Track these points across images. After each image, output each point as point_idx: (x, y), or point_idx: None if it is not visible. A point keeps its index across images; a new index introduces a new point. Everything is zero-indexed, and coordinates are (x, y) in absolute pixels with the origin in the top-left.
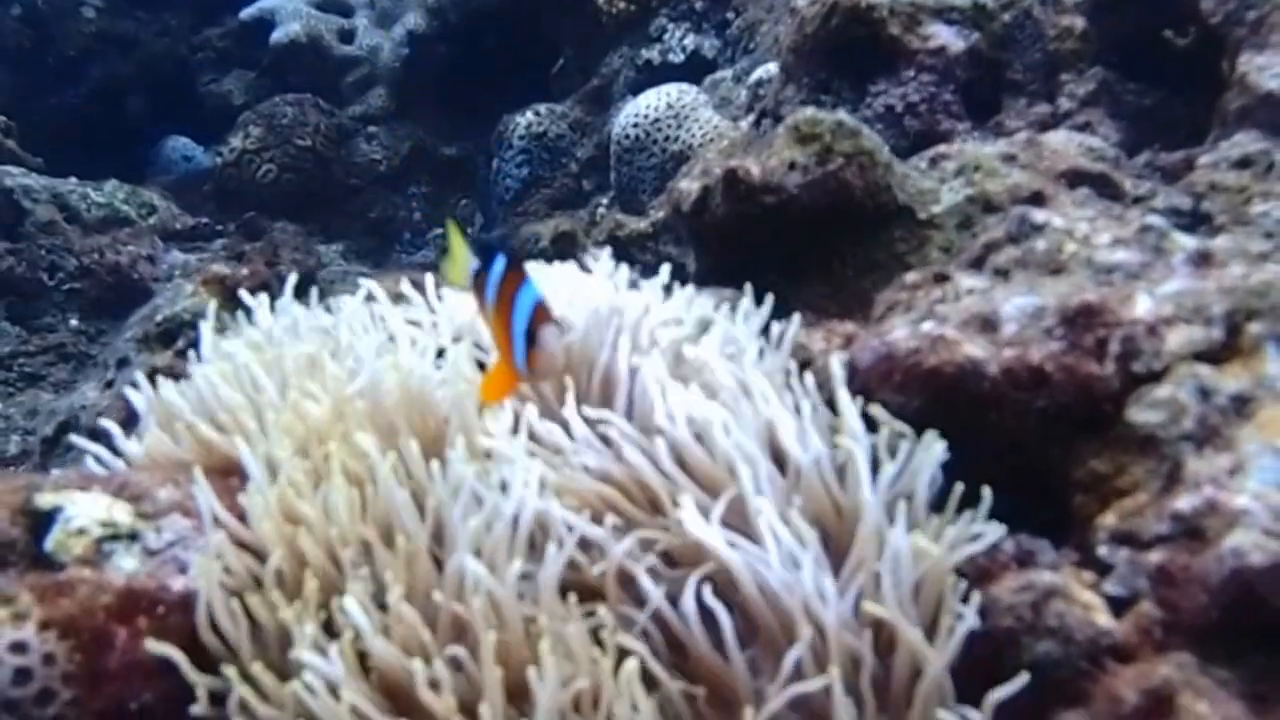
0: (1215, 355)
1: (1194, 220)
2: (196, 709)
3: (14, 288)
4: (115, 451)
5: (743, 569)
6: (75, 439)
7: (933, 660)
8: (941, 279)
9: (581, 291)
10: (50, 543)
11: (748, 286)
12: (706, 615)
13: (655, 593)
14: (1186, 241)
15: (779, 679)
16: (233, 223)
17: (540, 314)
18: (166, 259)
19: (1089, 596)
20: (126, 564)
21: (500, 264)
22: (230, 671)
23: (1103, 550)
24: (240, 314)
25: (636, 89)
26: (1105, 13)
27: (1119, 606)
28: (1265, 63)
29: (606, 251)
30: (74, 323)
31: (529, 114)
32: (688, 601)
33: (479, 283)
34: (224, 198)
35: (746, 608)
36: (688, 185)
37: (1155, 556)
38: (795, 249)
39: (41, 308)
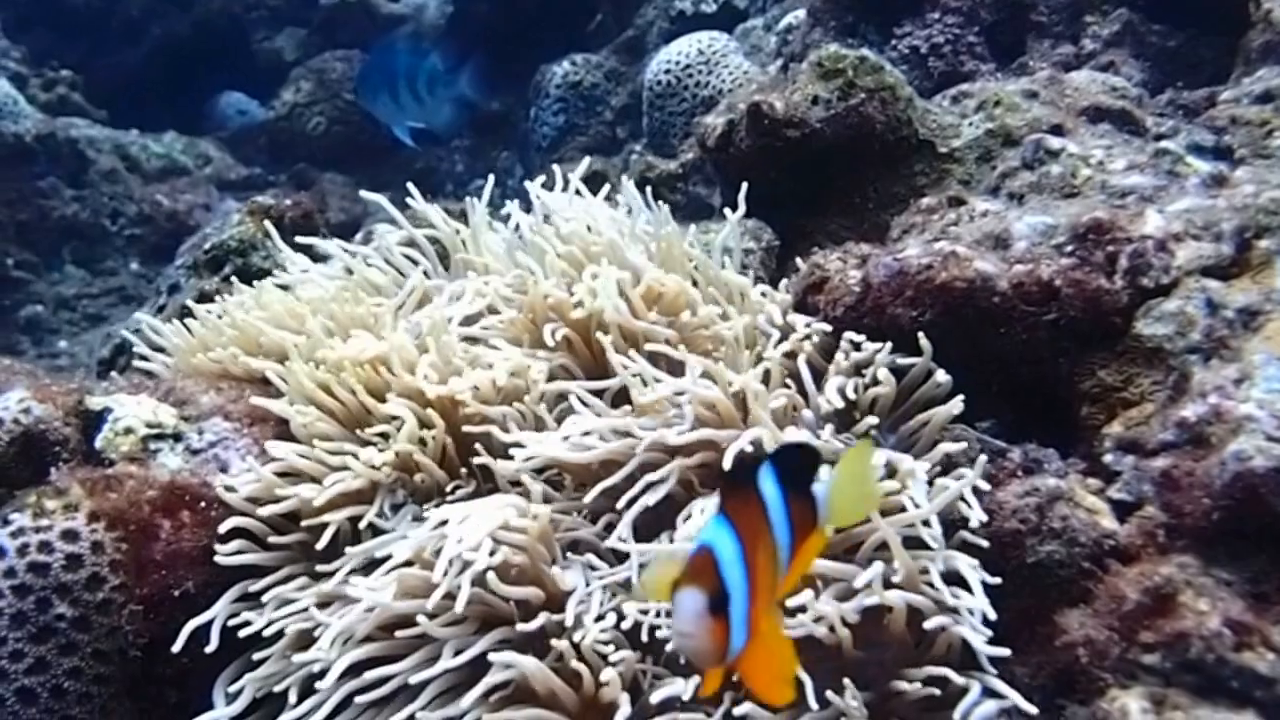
0: (1224, 270)
1: (1216, 155)
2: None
3: (78, 233)
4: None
5: None
6: (123, 332)
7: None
8: (956, 202)
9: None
10: (100, 440)
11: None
12: None
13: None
14: (1201, 165)
15: None
16: (284, 173)
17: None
18: (221, 207)
19: (1094, 501)
20: (171, 461)
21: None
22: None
23: (1109, 458)
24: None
25: (670, 39)
26: None
27: (1124, 511)
28: None
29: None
30: (134, 266)
31: (566, 64)
32: None
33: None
34: (276, 149)
35: None
36: (713, 120)
37: (1160, 462)
38: (817, 182)
39: (104, 252)
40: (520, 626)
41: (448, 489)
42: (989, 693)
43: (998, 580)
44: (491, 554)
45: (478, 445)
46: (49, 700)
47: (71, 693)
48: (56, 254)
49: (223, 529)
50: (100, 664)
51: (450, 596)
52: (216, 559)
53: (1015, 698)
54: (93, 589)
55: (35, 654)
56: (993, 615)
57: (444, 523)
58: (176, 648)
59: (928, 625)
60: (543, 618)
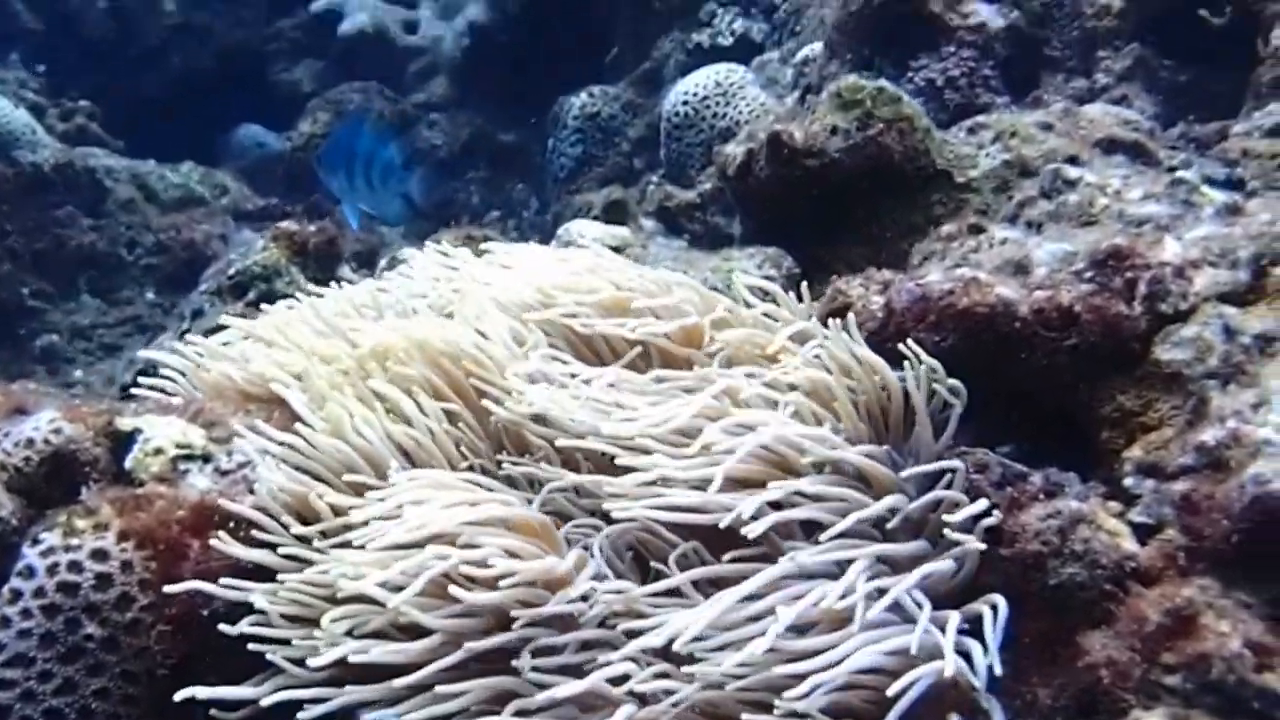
0: (1241, 297)
1: (1229, 186)
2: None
3: (95, 262)
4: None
5: None
6: (145, 354)
7: None
8: (976, 230)
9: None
10: (130, 461)
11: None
12: None
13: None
14: (1217, 195)
15: None
16: (300, 203)
17: None
18: (238, 237)
19: (1115, 524)
20: (200, 482)
21: None
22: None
23: (1129, 481)
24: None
25: (686, 71)
26: None
27: (1144, 534)
28: None
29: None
30: (150, 296)
31: (583, 95)
32: None
33: None
34: (293, 180)
35: None
36: (733, 149)
37: (1180, 486)
38: (836, 211)
39: (120, 281)
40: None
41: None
42: None
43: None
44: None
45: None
46: None
47: (99, 713)
48: (73, 283)
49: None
50: (128, 684)
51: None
52: (214, 543)
53: None
54: (122, 609)
55: (63, 674)
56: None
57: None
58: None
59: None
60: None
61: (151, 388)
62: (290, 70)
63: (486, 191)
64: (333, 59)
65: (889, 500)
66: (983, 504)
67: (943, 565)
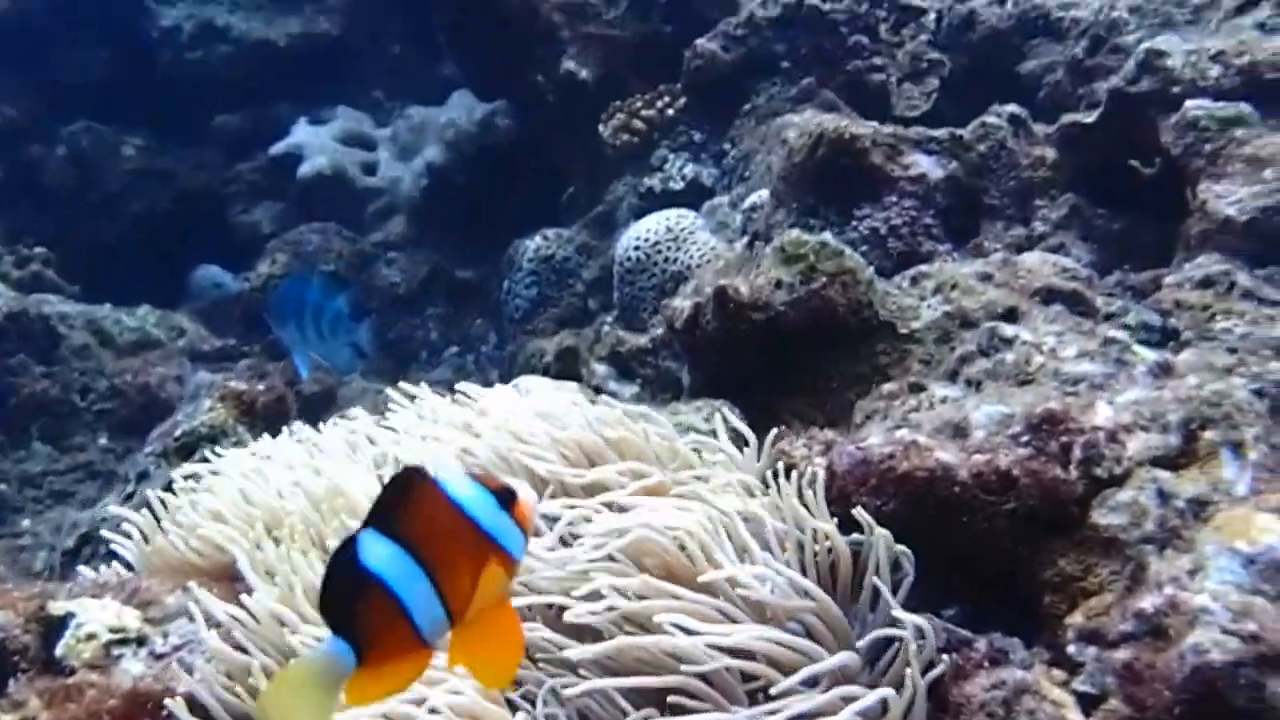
0: (1173, 461)
1: (1163, 335)
2: None
3: (47, 409)
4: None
5: None
6: (104, 532)
7: None
8: (917, 389)
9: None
10: (61, 648)
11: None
12: None
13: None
14: (1148, 354)
15: None
16: (257, 344)
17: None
18: (194, 379)
19: (1059, 694)
20: (134, 667)
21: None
22: None
23: (1072, 648)
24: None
25: (639, 214)
26: (1075, 144)
27: (1088, 703)
28: (1223, 191)
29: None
30: (103, 441)
31: (538, 238)
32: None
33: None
34: (251, 321)
35: None
36: (680, 303)
37: (1121, 654)
38: (783, 363)
39: (72, 428)
40: None
41: None
42: None
43: None
44: None
45: None
46: None
47: None
48: (24, 431)
49: None
50: None
51: None
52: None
53: None
54: None
55: None
56: None
57: None
58: None
59: None
60: None
61: (91, 560)
62: (250, 212)
63: (445, 327)
64: (292, 200)
65: (842, 656)
66: (932, 647)
67: (890, 693)
